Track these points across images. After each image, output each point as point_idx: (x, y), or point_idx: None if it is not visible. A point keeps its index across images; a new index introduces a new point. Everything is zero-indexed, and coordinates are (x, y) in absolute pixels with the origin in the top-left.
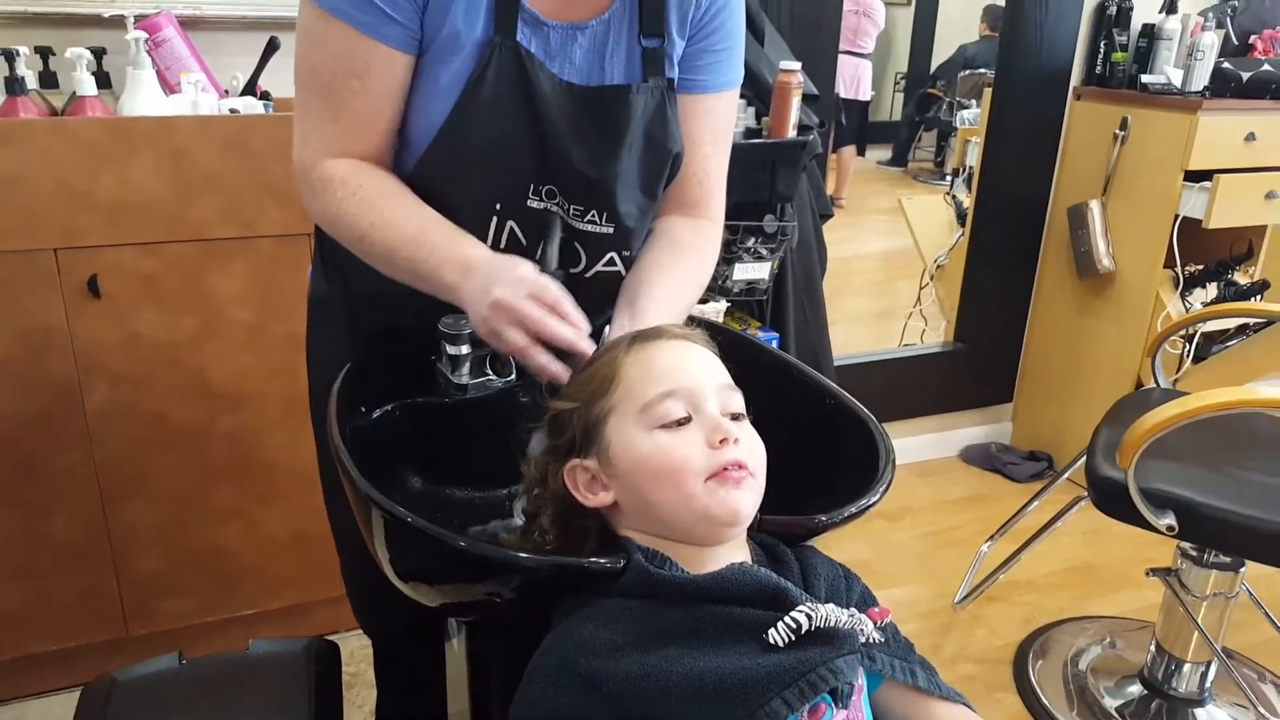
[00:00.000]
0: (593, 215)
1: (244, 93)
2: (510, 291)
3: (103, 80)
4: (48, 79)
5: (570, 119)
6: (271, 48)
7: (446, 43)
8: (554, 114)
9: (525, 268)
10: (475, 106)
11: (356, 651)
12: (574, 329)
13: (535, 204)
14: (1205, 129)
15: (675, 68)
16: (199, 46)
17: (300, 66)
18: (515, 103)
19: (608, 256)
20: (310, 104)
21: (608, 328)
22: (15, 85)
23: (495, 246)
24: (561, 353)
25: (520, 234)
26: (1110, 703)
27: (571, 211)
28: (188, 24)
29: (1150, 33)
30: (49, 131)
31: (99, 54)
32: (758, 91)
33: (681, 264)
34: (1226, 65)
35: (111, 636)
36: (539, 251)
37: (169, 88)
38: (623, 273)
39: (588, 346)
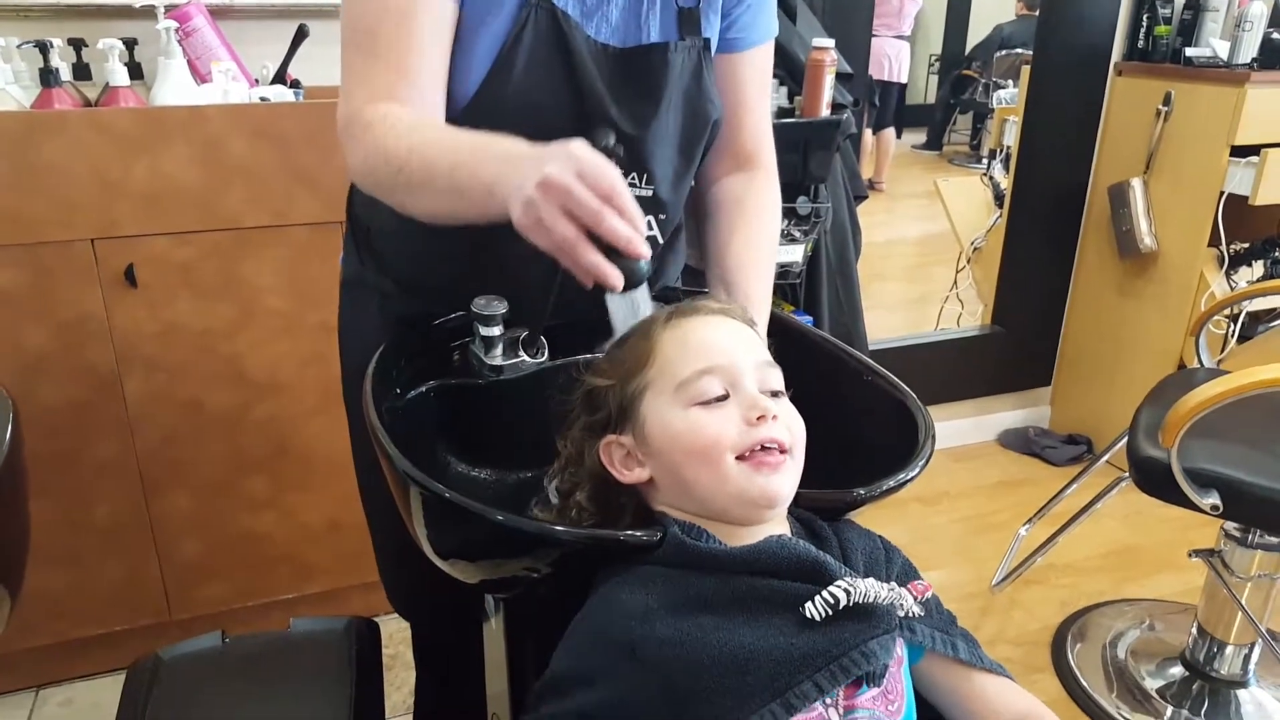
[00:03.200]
0: (633, 178)
1: (274, 81)
2: (560, 168)
3: (135, 71)
4: (81, 70)
5: (608, 79)
6: (301, 35)
7: (485, 1)
8: (591, 75)
9: (577, 144)
10: (511, 68)
11: (395, 634)
12: (631, 226)
13: None
14: (1253, 102)
15: (713, 27)
16: (229, 36)
17: (346, 30)
18: (552, 64)
19: (647, 221)
20: (354, 60)
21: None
22: (49, 77)
23: None
24: (612, 254)
25: None
26: (1151, 684)
27: None
28: (217, 13)
29: (1195, 4)
30: (83, 122)
31: (131, 45)
32: (790, 70)
33: (758, 226)
34: (1276, 36)
35: (154, 621)
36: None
37: (200, 77)
38: (660, 239)
39: (644, 249)
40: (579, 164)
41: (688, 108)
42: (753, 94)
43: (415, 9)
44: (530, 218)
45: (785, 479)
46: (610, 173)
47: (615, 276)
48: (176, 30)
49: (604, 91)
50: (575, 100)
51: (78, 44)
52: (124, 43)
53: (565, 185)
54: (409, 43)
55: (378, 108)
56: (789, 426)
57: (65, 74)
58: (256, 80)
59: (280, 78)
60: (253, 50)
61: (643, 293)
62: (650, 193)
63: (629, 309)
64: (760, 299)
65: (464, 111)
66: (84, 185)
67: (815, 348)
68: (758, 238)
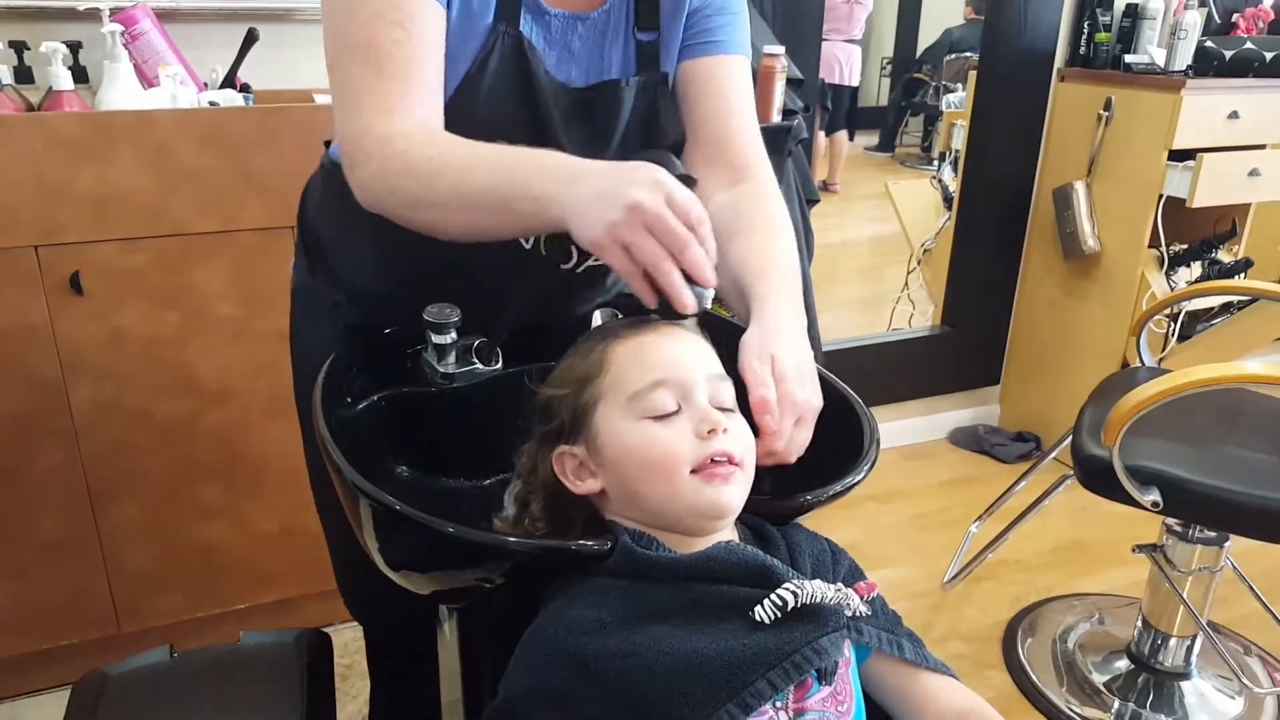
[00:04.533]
0: None
1: (223, 85)
2: (650, 195)
3: (79, 75)
4: (23, 74)
5: (563, 115)
6: (250, 39)
7: (461, 21)
8: (548, 108)
9: (657, 170)
10: (477, 92)
11: (350, 644)
12: (709, 256)
13: None
14: (1189, 108)
15: (672, 61)
16: (176, 39)
17: (334, 41)
18: (514, 92)
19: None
20: (351, 73)
21: (597, 313)
22: None
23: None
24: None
25: None
26: (1098, 678)
27: None
28: (164, 16)
29: (1133, 12)
30: (26, 127)
31: (75, 48)
32: None
33: (766, 226)
34: (1209, 44)
35: (104, 634)
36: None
37: (147, 81)
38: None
39: (714, 279)
40: (669, 192)
41: (641, 140)
42: (741, 102)
43: (412, 17)
44: (613, 235)
45: (735, 490)
46: (697, 203)
47: (692, 302)
48: (122, 34)
49: (559, 127)
50: (533, 129)
51: (19, 47)
52: (68, 46)
53: (658, 212)
54: (413, 50)
55: (391, 121)
56: (739, 440)
57: (6, 77)
58: (205, 84)
59: (230, 82)
60: (201, 54)
61: (691, 322)
62: None
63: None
64: (773, 277)
65: None
66: (27, 191)
67: None
68: (779, 233)
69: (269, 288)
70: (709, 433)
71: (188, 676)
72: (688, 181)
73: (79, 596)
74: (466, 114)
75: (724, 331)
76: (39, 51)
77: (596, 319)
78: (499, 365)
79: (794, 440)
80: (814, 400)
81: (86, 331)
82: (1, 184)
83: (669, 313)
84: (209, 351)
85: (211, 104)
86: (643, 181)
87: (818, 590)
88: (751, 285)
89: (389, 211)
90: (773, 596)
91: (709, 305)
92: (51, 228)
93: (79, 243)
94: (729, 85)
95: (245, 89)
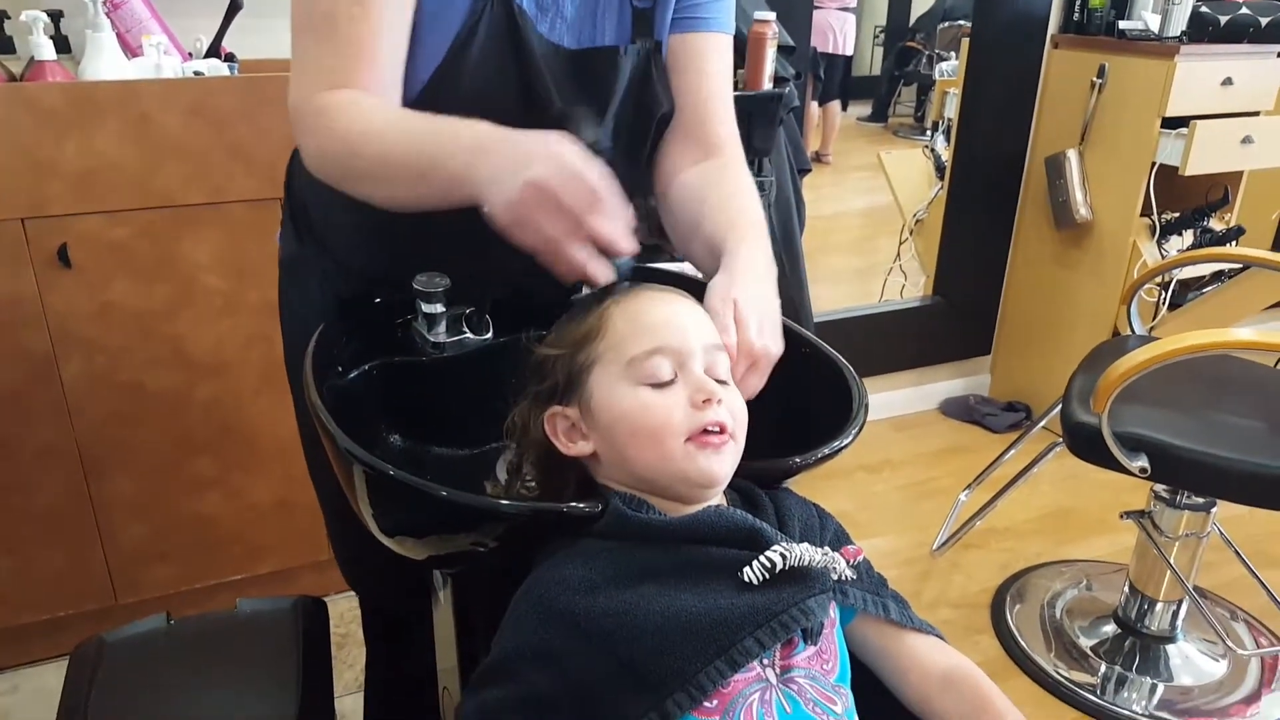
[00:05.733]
0: None
1: (207, 55)
2: (546, 170)
3: (61, 44)
4: (4, 44)
5: (558, 80)
6: (234, 8)
7: None
8: (542, 75)
9: (557, 140)
10: (464, 61)
11: (346, 613)
12: (618, 223)
13: None
14: (1182, 75)
15: (665, 29)
16: (159, 8)
17: (299, 13)
18: (504, 61)
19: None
20: (306, 44)
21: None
22: None
23: (477, 214)
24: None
25: None
26: (1085, 642)
27: None
28: None
29: None
30: (8, 98)
31: (56, 17)
32: (733, 43)
33: (733, 189)
34: (1204, 9)
35: (100, 606)
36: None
37: (130, 51)
38: None
39: (631, 245)
40: (563, 166)
41: (634, 109)
42: (720, 82)
43: None
44: (513, 215)
45: (725, 460)
46: (595, 173)
47: (604, 271)
48: (104, 2)
49: (553, 93)
50: (525, 99)
51: None
52: (49, 15)
53: (552, 189)
54: (367, 26)
55: (333, 94)
56: (732, 411)
57: None
58: (190, 54)
59: (214, 51)
60: (184, 23)
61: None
62: None
63: None
64: (742, 228)
65: (413, 103)
66: (11, 163)
67: None
68: (734, 201)
69: (258, 259)
70: (704, 402)
71: (185, 643)
72: (595, 149)
73: (75, 568)
74: (455, 84)
75: None
76: (19, 20)
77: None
78: (489, 334)
79: (745, 384)
80: (771, 347)
81: (76, 304)
82: None
83: (590, 287)
84: (199, 324)
85: (196, 74)
86: (538, 156)
87: (805, 553)
88: (723, 239)
89: (331, 182)
90: (761, 558)
91: (628, 272)
92: (38, 200)
93: (66, 215)
94: (710, 64)
95: (230, 58)
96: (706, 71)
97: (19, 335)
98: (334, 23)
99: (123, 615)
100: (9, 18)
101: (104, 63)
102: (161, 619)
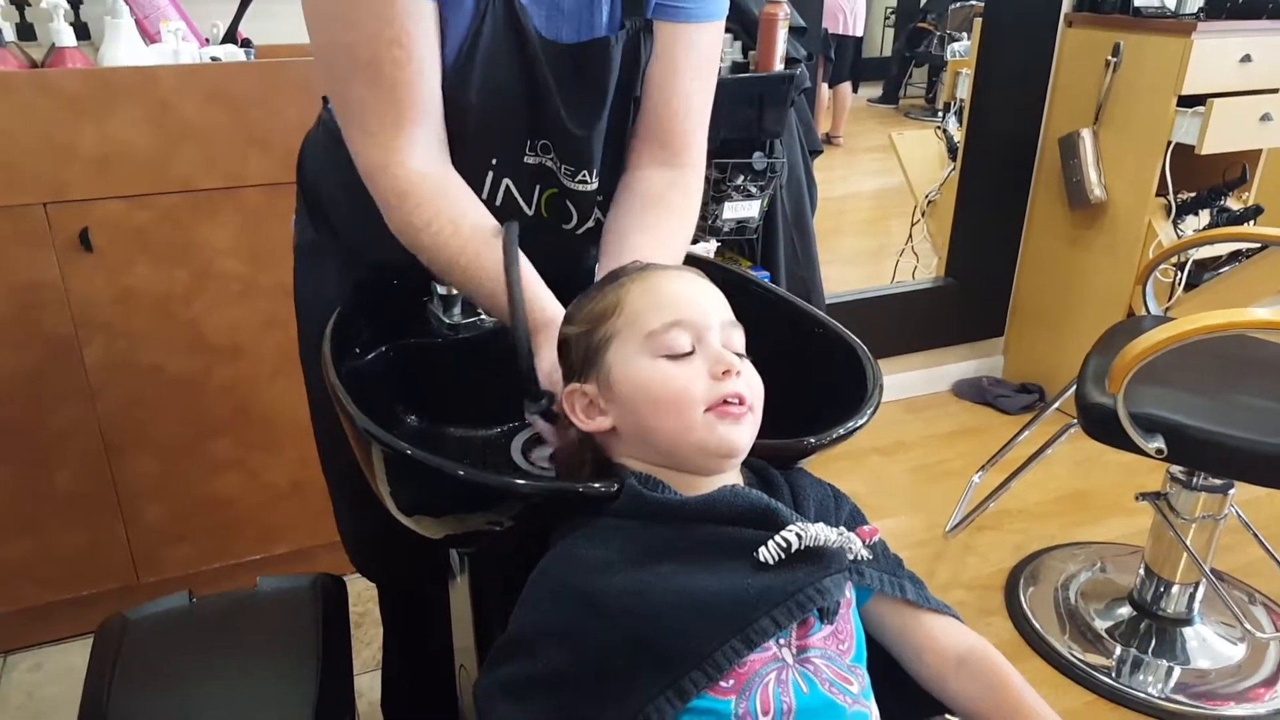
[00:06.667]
0: (584, 175)
1: (224, 40)
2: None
3: (81, 31)
4: (25, 31)
5: (557, 76)
6: None
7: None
8: (543, 71)
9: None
10: (473, 61)
11: (364, 592)
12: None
13: (531, 159)
14: (1199, 52)
15: (653, 7)
16: None
17: (331, 55)
18: (509, 57)
19: (595, 212)
20: (356, 91)
21: (598, 266)
22: None
23: (491, 204)
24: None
25: (515, 191)
26: (1100, 624)
27: (564, 171)
28: None
29: None
30: (29, 84)
31: (76, 4)
32: (744, 25)
33: (671, 229)
34: None
35: (122, 584)
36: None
37: (149, 37)
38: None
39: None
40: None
41: (623, 95)
42: (685, 75)
43: (408, 31)
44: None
45: (745, 430)
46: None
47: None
48: None
49: (555, 91)
50: (530, 94)
51: (20, 3)
52: (69, 2)
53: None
54: (411, 68)
55: (412, 176)
56: (749, 384)
57: (9, 34)
58: (207, 40)
59: (231, 37)
60: (202, 9)
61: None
62: (595, 185)
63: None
64: None
65: None
66: (33, 148)
67: (767, 301)
68: (670, 241)
69: (274, 244)
70: (723, 374)
71: (206, 620)
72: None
73: (97, 548)
74: (464, 86)
75: (728, 278)
76: (40, 8)
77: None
78: None
79: None
80: None
81: (97, 288)
82: (7, 141)
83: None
84: (217, 307)
85: (213, 59)
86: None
87: (821, 533)
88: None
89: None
90: (777, 538)
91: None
92: (59, 185)
93: (86, 200)
94: (681, 58)
95: (246, 44)
96: (677, 66)
97: (42, 318)
98: (380, 69)
99: (144, 594)
100: (30, 5)
101: (123, 49)
102: (183, 597)
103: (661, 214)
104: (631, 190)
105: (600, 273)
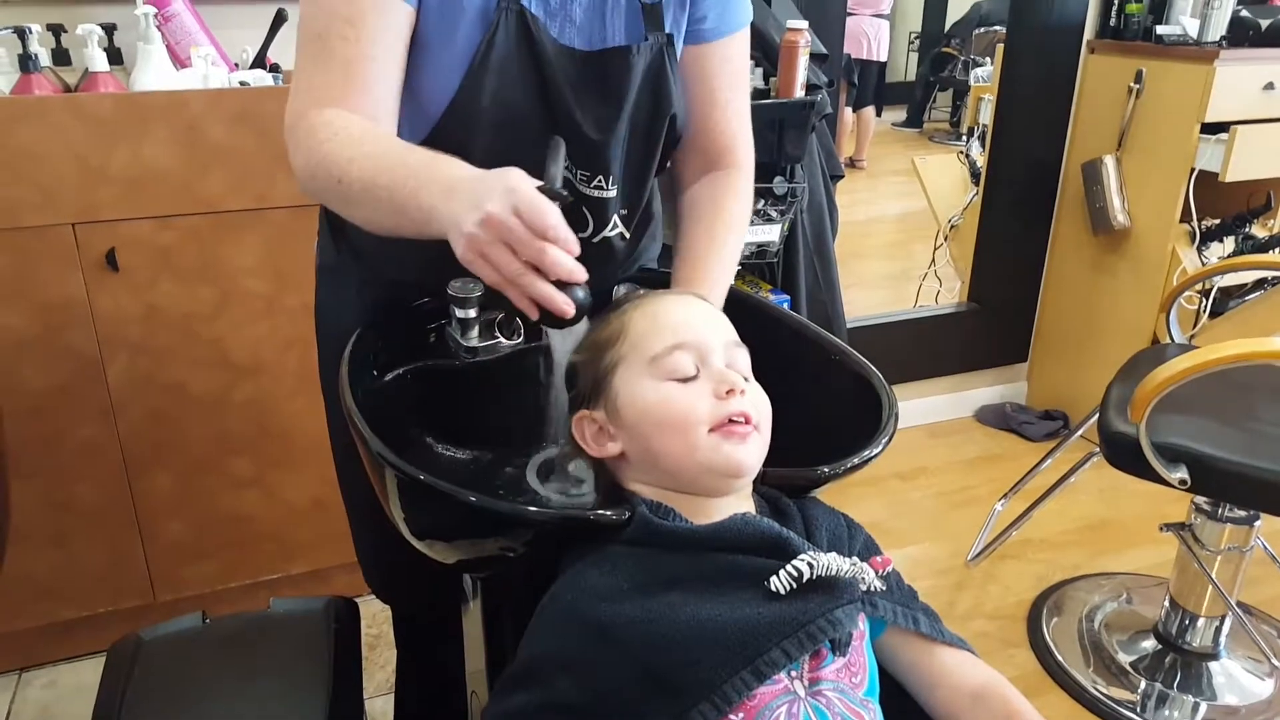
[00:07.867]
0: (599, 181)
1: (253, 65)
2: (498, 205)
3: (114, 56)
4: (60, 56)
5: (573, 82)
6: (279, 20)
7: (448, 6)
8: (558, 79)
9: (516, 177)
10: (486, 73)
11: (379, 614)
12: (570, 257)
13: None
14: (1223, 79)
15: (678, 23)
16: (207, 20)
17: (300, 32)
18: (524, 68)
19: (612, 220)
20: (303, 60)
21: (618, 288)
22: (29, 63)
23: None
24: (560, 284)
25: None
26: (1125, 658)
27: (579, 177)
28: None
29: None
30: (63, 108)
31: (110, 30)
32: (765, 51)
33: (724, 239)
34: (1245, 13)
35: (139, 603)
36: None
37: (179, 62)
38: (625, 234)
39: (583, 275)
40: (516, 200)
41: (649, 105)
42: (722, 88)
43: (364, 15)
44: (473, 252)
45: (752, 450)
46: (545, 208)
47: (566, 303)
48: (155, 15)
49: (570, 96)
50: (544, 105)
51: (57, 29)
52: (103, 28)
53: (505, 223)
54: (358, 49)
55: (323, 113)
56: (755, 403)
57: (44, 60)
58: (236, 65)
59: (260, 62)
60: (231, 35)
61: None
62: (614, 193)
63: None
64: (707, 273)
65: (441, 119)
66: (64, 170)
67: (781, 327)
68: (722, 243)
69: (297, 265)
70: (727, 393)
71: (219, 641)
72: (552, 195)
73: (116, 565)
74: (479, 97)
75: (744, 304)
76: (75, 34)
77: (618, 294)
78: (521, 339)
79: None
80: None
81: (122, 306)
82: (40, 163)
83: (550, 320)
84: (240, 326)
85: (242, 84)
86: (495, 191)
87: (833, 563)
88: (688, 275)
89: (319, 200)
90: (788, 567)
91: (587, 302)
92: (88, 206)
93: (115, 220)
94: (712, 72)
95: (275, 69)
96: (714, 85)
97: (68, 336)
98: (326, 43)
99: (160, 613)
100: (65, 31)
101: (154, 73)
102: (197, 618)
103: (718, 219)
104: (688, 206)
105: (674, 284)
